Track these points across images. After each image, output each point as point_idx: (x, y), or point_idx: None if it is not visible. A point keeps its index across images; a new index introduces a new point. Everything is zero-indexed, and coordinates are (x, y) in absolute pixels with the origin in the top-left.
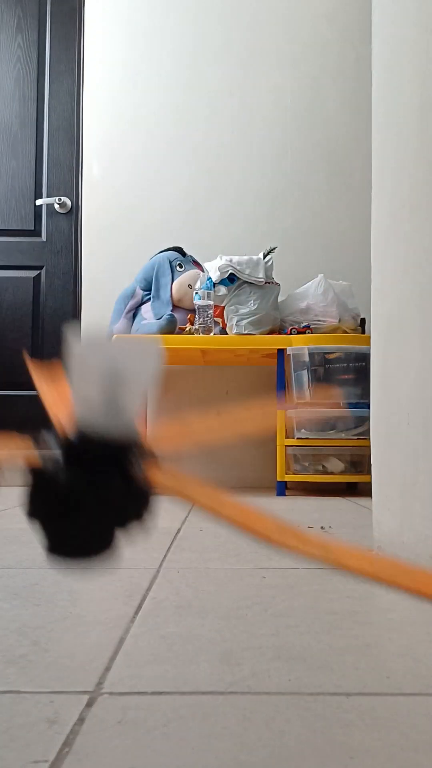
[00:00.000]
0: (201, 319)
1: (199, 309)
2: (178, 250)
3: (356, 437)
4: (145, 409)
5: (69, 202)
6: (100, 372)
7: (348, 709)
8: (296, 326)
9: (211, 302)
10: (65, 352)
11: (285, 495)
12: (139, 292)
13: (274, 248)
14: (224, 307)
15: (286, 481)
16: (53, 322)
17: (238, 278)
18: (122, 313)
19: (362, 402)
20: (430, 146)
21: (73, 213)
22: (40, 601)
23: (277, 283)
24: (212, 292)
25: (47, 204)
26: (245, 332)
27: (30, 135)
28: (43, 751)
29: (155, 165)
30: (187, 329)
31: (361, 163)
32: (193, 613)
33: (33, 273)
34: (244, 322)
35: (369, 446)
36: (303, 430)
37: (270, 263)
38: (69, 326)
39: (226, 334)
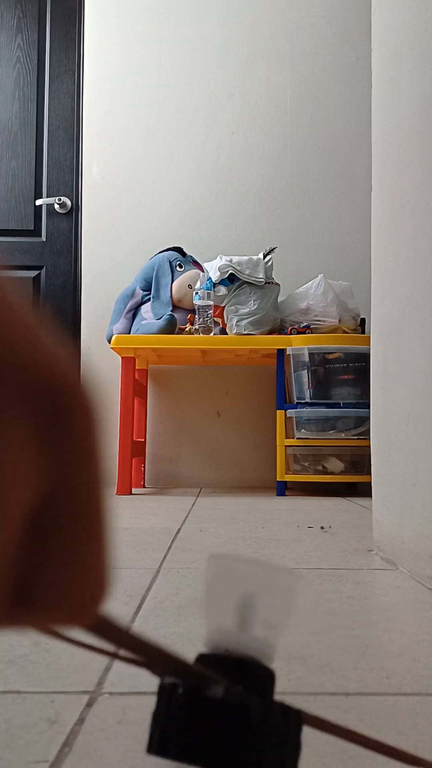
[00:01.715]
0: (201, 319)
1: (199, 309)
2: (178, 250)
3: (356, 437)
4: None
5: (69, 203)
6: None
7: (348, 709)
8: (296, 326)
9: (211, 302)
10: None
11: (285, 495)
12: (139, 292)
13: (274, 248)
14: (224, 307)
15: (286, 481)
16: (53, 322)
17: (238, 278)
18: (122, 313)
19: (362, 402)
20: (430, 146)
21: (73, 213)
22: None
23: (277, 283)
24: (212, 292)
25: (47, 204)
26: (245, 332)
27: (30, 135)
28: (43, 751)
29: (155, 165)
30: (187, 329)
31: (361, 163)
32: (193, 613)
33: (33, 273)
34: (244, 322)
35: (369, 446)
36: (303, 430)
37: (270, 263)
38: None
39: (226, 334)
